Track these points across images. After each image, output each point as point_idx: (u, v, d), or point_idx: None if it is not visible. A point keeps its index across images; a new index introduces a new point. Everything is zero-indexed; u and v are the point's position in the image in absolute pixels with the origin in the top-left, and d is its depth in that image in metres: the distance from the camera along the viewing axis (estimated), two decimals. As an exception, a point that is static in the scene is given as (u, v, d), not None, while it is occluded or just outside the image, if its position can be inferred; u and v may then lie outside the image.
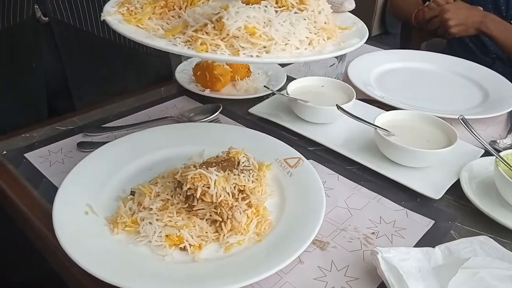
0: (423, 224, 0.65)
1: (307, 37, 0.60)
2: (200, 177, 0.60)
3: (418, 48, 1.63)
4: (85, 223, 0.60)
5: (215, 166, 0.64)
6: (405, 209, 0.68)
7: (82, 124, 0.87)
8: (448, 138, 0.77)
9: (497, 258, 0.56)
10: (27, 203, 0.68)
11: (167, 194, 0.63)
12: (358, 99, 0.92)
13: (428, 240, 0.62)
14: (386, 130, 0.76)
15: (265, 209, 0.64)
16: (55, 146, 0.80)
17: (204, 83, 0.99)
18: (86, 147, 0.79)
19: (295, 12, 0.60)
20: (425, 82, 1.11)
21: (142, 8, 0.61)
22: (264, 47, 0.55)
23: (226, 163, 0.65)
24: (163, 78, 1.07)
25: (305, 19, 0.60)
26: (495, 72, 1.11)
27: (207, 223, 0.60)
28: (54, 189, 0.65)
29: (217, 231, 0.60)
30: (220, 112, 0.91)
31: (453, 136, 0.75)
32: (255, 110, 0.92)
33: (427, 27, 1.42)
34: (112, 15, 0.60)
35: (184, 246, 0.57)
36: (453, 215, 0.67)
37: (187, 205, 0.61)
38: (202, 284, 0.52)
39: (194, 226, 0.59)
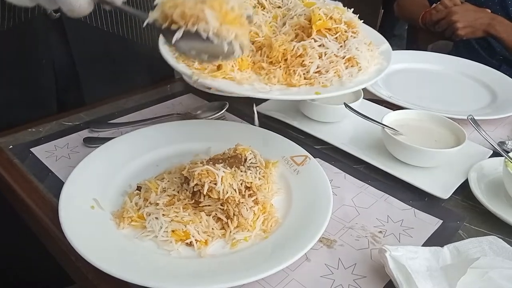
0: (431, 223, 0.65)
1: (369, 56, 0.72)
2: (207, 173, 0.60)
3: (424, 50, 1.62)
4: (91, 218, 0.60)
5: (222, 163, 0.63)
6: (413, 208, 0.67)
7: (88, 120, 0.87)
8: (456, 138, 0.76)
9: (506, 258, 0.55)
10: (33, 198, 0.67)
11: (174, 190, 0.63)
12: (365, 99, 0.92)
13: (436, 240, 0.61)
14: (394, 129, 0.76)
15: (271, 206, 0.64)
16: (61, 141, 0.80)
17: (210, 81, 0.99)
18: (92, 142, 0.78)
19: (351, 36, 0.70)
20: (432, 83, 1.10)
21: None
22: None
23: (233, 159, 0.65)
24: (166, 74, 1.07)
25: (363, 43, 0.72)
26: (503, 74, 1.11)
27: (214, 219, 0.60)
28: (60, 183, 0.65)
29: (223, 228, 0.60)
30: (226, 110, 0.91)
31: (462, 136, 0.75)
32: (262, 108, 0.92)
33: (434, 29, 1.42)
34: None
35: (190, 242, 0.57)
36: (461, 215, 0.67)
37: (193, 201, 0.61)
38: (208, 280, 0.52)
39: (201, 222, 0.59)
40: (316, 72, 0.68)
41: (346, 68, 0.69)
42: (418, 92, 1.03)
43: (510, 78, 1.08)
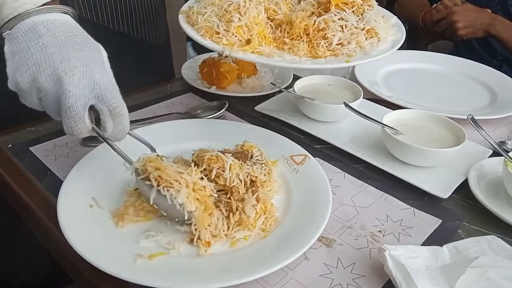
0: (430, 223, 0.64)
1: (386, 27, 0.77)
2: (217, 159, 0.60)
3: (424, 50, 1.62)
4: (90, 216, 0.60)
5: (231, 155, 0.64)
6: (412, 208, 0.67)
7: (88, 119, 0.86)
8: (456, 138, 0.76)
9: (505, 258, 0.55)
10: (32, 196, 0.67)
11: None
12: (365, 99, 0.92)
13: (436, 239, 0.61)
14: (394, 129, 0.76)
15: (272, 205, 0.64)
16: (61, 140, 0.80)
17: (210, 80, 0.99)
18: (91, 142, 0.78)
19: (367, 9, 0.75)
20: (432, 82, 1.10)
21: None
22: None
23: (240, 154, 0.65)
24: (166, 73, 1.07)
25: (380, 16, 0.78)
26: (503, 74, 1.11)
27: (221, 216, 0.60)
28: (59, 182, 0.65)
29: (228, 228, 0.60)
30: (225, 110, 0.91)
31: (461, 136, 0.75)
32: (261, 107, 0.92)
33: (434, 29, 1.42)
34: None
35: (192, 239, 0.57)
36: (461, 214, 0.67)
37: None
38: (207, 279, 0.52)
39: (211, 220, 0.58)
40: (338, 44, 0.72)
41: (366, 39, 0.73)
42: (418, 92, 1.03)
43: (510, 78, 1.08)
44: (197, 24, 0.73)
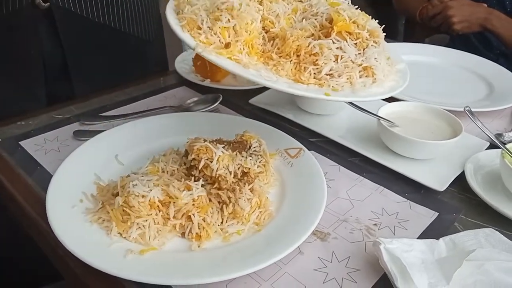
0: (426, 216, 0.64)
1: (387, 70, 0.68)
2: (206, 149, 0.60)
3: (421, 43, 1.61)
4: (79, 211, 0.59)
5: (225, 145, 0.63)
6: (408, 201, 0.66)
7: (79, 113, 0.85)
8: (453, 130, 0.75)
9: (503, 251, 0.55)
10: (21, 191, 0.66)
11: (173, 166, 0.63)
12: (361, 91, 0.90)
13: (432, 232, 0.60)
14: (390, 121, 0.74)
15: (267, 199, 0.63)
16: (51, 134, 0.78)
17: (204, 73, 0.97)
18: (83, 135, 0.77)
19: (372, 46, 0.67)
20: (429, 75, 1.09)
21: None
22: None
23: (238, 144, 0.65)
24: (159, 67, 1.06)
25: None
26: (500, 66, 1.10)
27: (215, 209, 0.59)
28: (49, 177, 0.64)
29: (222, 221, 0.59)
30: (219, 103, 0.90)
31: (458, 128, 0.74)
32: (256, 100, 0.91)
33: (430, 24, 1.41)
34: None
35: (183, 233, 0.56)
36: (458, 207, 0.66)
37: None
38: (199, 273, 0.50)
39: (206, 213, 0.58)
40: (328, 74, 0.65)
41: (361, 77, 0.66)
42: (414, 85, 1.00)
43: (507, 70, 1.07)
44: (182, 14, 0.66)
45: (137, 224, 0.55)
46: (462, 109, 0.79)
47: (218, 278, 0.50)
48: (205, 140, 0.62)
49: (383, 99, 0.77)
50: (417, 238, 0.59)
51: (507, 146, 0.68)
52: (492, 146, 0.76)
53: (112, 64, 0.98)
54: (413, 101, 0.86)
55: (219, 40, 0.62)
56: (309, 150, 0.72)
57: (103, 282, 0.52)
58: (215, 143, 0.63)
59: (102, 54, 0.96)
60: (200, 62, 0.97)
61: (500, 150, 0.67)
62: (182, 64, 1.03)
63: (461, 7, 1.33)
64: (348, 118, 0.85)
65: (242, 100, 0.92)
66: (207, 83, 0.96)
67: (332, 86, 0.64)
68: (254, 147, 0.66)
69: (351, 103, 0.77)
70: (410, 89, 0.96)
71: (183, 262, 0.53)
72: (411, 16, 1.53)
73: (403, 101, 0.85)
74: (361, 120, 0.81)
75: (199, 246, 0.55)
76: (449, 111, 0.79)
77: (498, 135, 0.82)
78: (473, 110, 0.79)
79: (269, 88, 0.95)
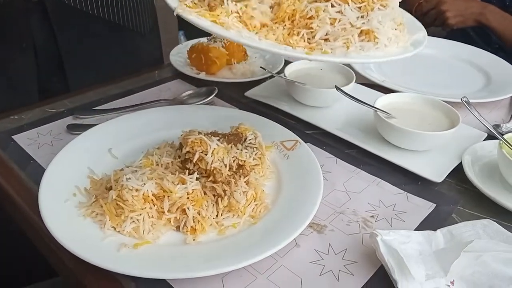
0: (424, 207, 0.63)
1: (393, 35, 0.62)
2: (200, 142, 0.59)
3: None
4: (73, 205, 0.58)
5: (220, 138, 0.63)
6: (406, 192, 0.66)
7: (73, 107, 0.84)
8: (450, 121, 0.74)
9: (501, 242, 0.54)
10: (14, 185, 0.65)
11: (168, 158, 0.63)
12: (358, 83, 0.90)
13: (429, 224, 0.60)
14: (387, 113, 0.74)
15: (262, 192, 0.62)
16: (45, 129, 0.77)
17: (199, 66, 0.96)
18: (76, 129, 0.76)
19: (379, 9, 0.61)
20: (426, 67, 1.08)
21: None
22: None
23: (233, 137, 0.64)
24: (154, 61, 1.05)
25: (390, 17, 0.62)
26: (498, 57, 1.09)
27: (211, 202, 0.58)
28: (42, 171, 0.63)
29: (217, 214, 0.58)
30: (215, 96, 0.89)
31: (456, 119, 0.73)
32: (252, 93, 0.90)
33: (425, 20, 1.40)
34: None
35: (178, 226, 0.55)
36: (455, 198, 0.65)
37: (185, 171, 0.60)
38: (194, 267, 0.50)
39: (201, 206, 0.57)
40: (324, 39, 0.59)
41: (362, 42, 0.60)
42: (411, 76, 1.01)
43: (504, 61, 1.06)
44: None
45: (131, 218, 0.54)
46: (459, 100, 0.78)
47: (213, 271, 0.49)
48: (199, 133, 0.62)
49: (379, 90, 0.76)
50: (415, 230, 0.58)
51: (505, 136, 0.67)
52: (490, 137, 0.76)
53: (107, 57, 0.97)
54: (410, 92, 0.86)
55: (207, 3, 0.59)
56: (305, 142, 0.71)
57: (97, 276, 0.51)
58: (209, 135, 0.62)
59: (96, 47, 0.95)
60: (195, 55, 0.96)
61: (497, 141, 0.67)
62: (177, 57, 1.02)
63: (455, 2, 1.32)
64: (344, 110, 0.84)
65: (238, 93, 0.91)
66: (202, 75, 0.95)
67: (323, 51, 0.59)
68: (250, 140, 0.66)
69: (347, 95, 0.76)
70: (407, 80, 0.96)
71: (178, 255, 0.52)
72: (408, 12, 1.52)
73: (400, 92, 0.84)
74: (357, 111, 0.81)
75: (194, 240, 0.55)
76: (447, 102, 0.78)
77: (496, 126, 0.81)
78: (470, 101, 0.78)
79: (265, 81, 0.95)
